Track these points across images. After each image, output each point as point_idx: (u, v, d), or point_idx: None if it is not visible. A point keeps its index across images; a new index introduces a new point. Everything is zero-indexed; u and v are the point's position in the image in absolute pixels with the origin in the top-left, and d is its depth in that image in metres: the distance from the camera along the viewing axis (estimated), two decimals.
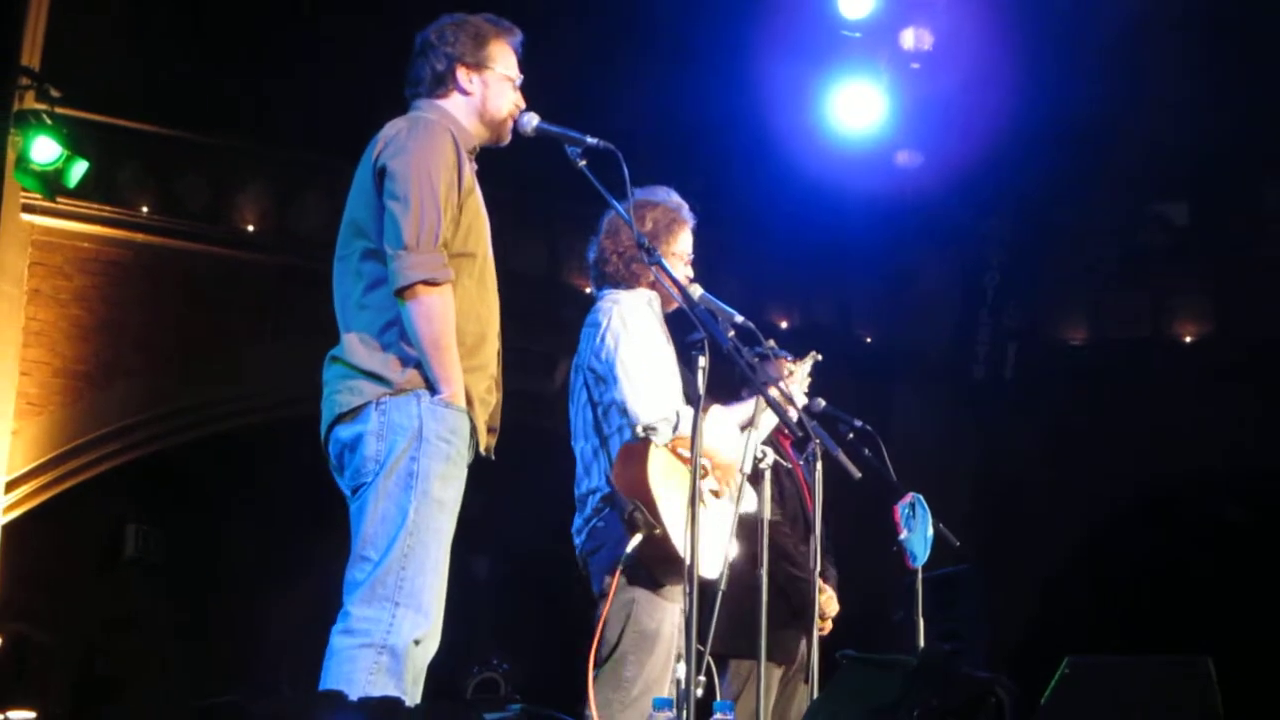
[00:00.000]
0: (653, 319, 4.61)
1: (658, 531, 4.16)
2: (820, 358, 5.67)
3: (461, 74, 3.80)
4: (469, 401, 3.59)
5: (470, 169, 3.72)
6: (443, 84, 3.80)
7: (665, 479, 4.24)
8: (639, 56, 11.99)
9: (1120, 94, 11.20)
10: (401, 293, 3.48)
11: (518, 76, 3.89)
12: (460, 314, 3.57)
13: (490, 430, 3.74)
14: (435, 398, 3.51)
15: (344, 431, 3.55)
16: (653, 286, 4.65)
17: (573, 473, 4.60)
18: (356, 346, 3.56)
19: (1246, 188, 12.26)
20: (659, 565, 4.25)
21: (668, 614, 4.33)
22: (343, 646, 3.40)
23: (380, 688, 3.30)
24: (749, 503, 4.41)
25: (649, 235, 4.41)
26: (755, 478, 4.37)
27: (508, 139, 3.92)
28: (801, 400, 5.38)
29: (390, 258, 3.50)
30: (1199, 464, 11.54)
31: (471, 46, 3.82)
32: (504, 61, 3.87)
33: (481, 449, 3.71)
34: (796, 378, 5.51)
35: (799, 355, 5.79)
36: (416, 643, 3.42)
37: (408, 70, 3.85)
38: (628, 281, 4.61)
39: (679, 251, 4.66)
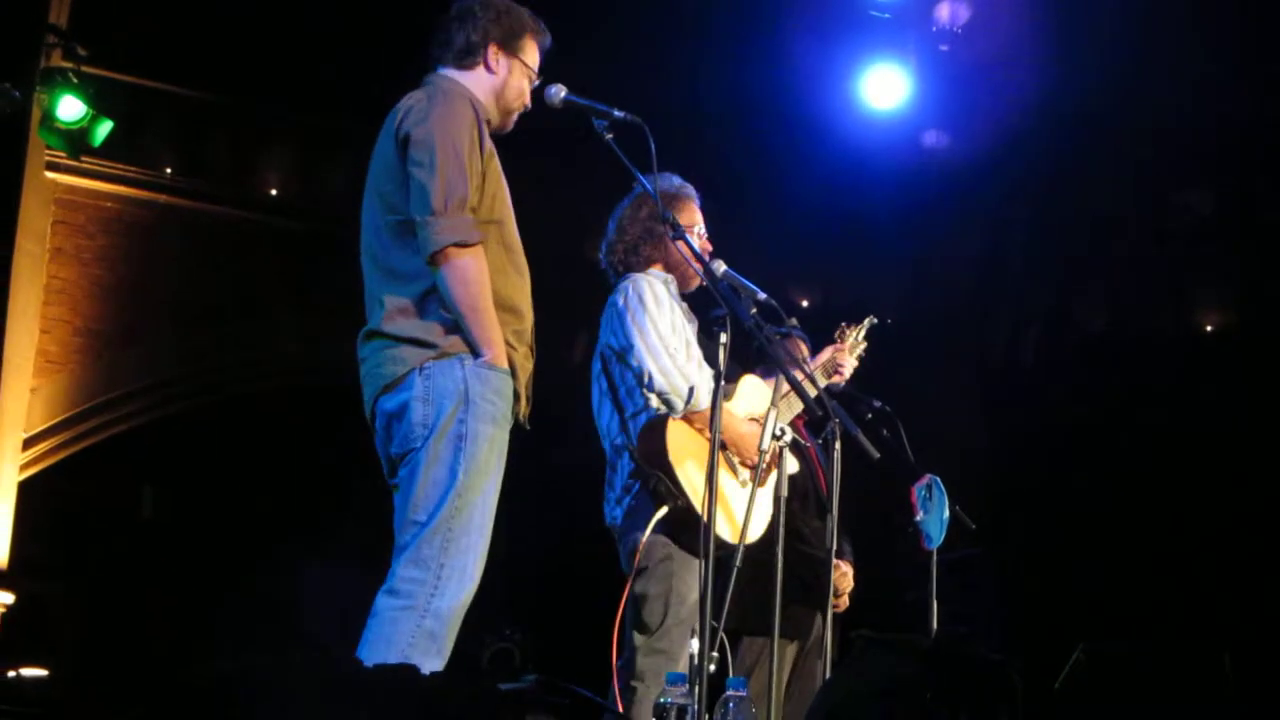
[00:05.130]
0: (669, 296, 4.63)
1: (680, 503, 4.18)
2: (876, 321, 5.69)
3: (492, 52, 3.82)
4: (510, 367, 3.57)
5: (488, 137, 3.72)
6: (471, 55, 3.81)
7: (684, 451, 4.27)
8: (664, 35, 11.91)
9: (1151, 77, 11.10)
10: (434, 258, 3.45)
11: (536, 79, 3.92)
12: (493, 279, 3.55)
13: (525, 398, 3.71)
14: (478, 360, 3.48)
15: (389, 401, 3.53)
16: (668, 268, 4.69)
17: (586, 448, 4.63)
18: (396, 316, 3.53)
19: (1274, 176, 12.15)
20: (689, 535, 4.25)
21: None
22: (385, 607, 3.40)
23: (421, 651, 3.31)
24: (791, 464, 4.42)
25: (649, 219, 4.58)
26: (776, 456, 4.37)
27: (509, 129, 3.93)
28: (853, 366, 5.46)
29: (419, 225, 3.47)
30: (1219, 454, 11.48)
31: (509, 31, 3.85)
32: (531, 57, 3.90)
33: (520, 416, 3.69)
34: (848, 345, 5.54)
35: (822, 334, 5.78)
36: (461, 605, 3.44)
37: (439, 30, 3.85)
38: (637, 266, 4.69)
39: (689, 225, 4.68)
